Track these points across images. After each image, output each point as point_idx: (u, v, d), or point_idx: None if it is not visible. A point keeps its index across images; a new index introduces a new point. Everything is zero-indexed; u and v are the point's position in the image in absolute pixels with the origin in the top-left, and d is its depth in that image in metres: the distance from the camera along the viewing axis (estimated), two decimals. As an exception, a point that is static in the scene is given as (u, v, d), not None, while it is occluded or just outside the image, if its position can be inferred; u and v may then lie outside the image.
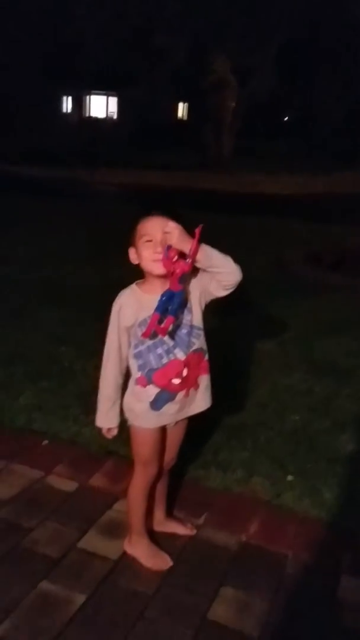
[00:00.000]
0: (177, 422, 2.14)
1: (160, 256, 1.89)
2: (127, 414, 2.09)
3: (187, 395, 2.07)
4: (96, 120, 29.52)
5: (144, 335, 1.94)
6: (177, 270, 1.85)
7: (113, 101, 30.71)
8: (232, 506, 2.48)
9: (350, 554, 2.23)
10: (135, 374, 2.05)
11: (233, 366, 3.64)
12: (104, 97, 30.65)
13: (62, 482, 2.58)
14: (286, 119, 30.01)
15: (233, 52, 17.53)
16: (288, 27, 16.49)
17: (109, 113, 30.94)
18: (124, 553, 2.17)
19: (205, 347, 2.10)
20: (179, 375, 2.01)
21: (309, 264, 6.60)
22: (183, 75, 19.77)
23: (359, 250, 6.75)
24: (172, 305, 1.88)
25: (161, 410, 2.04)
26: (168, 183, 13.82)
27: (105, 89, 28.85)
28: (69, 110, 30.05)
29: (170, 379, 2.00)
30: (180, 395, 2.05)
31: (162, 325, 1.88)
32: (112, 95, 30.11)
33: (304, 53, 18.33)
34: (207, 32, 16.82)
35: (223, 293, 1.96)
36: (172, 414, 2.07)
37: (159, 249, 1.90)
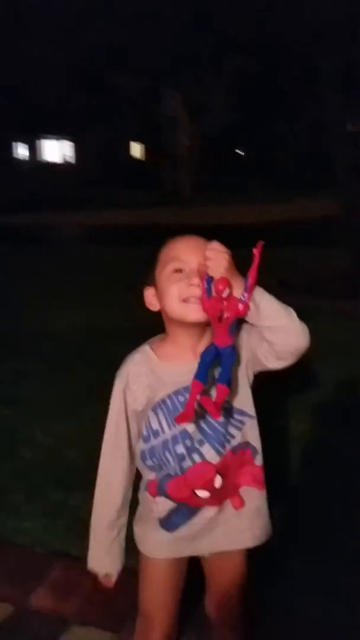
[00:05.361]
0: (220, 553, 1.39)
1: (198, 291, 1.21)
2: (134, 532, 1.41)
3: (220, 511, 1.33)
4: (52, 164, 29.33)
5: (182, 418, 1.21)
6: (228, 314, 1.17)
7: (67, 145, 30.63)
8: None
9: None
10: (147, 475, 1.35)
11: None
12: (58, 142, 30.59)
13: (-9, 606, 1.91)
14: (241, 153, 30.24)
15: (185, 88, 17.52)
16: (239, 59, 16.53)
17: (64, 157, 30.84)
18: None
19: (256, 443, 1.36)
20: (207, 485, 1.29)
21: (284, 289, 6.18)
22: (136, 114, 19.71)
23: (331, 273, 6.41)
24: (223, 368, 1.19)
25: (177, 532, 1.32)
26: (129, 221, 13.43)
27: (59, 133, 28.79)
28: (24, 156, 29.86)
29: (193, 490, 1.29)
30: (209, 512, 1.32)
31: (214, 400, 1.18)
32: (67, 139, 30.07)
33: (260, 84, 18.39)
34: (159, 69, 16.75)
35: (276, 364, 1.26)
36: (195, 540, 1.34)
37: (196, 281, 1.23)
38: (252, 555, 1.42)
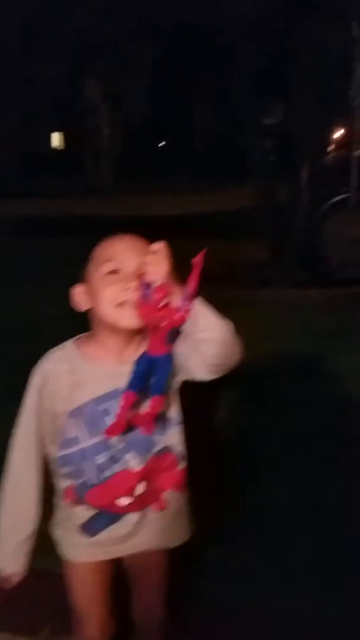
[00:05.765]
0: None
1: (134, 296, 1.17)
2: (54, 537, 1.38)
3: (142, 515, 1.32)
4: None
5: (112, 431, 1.18)
6: (165, 323, 1.14)
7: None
8: None
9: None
10: (63, 481, 1.31)
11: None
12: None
13: None
14: (163, 143, 30.16)
15: (104, 77, 17.21)
16: (157, 48, 16.40)
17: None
18: None
19: (180, 447, 1.34)
20: (128, 492, 1.27)
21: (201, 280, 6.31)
22: (55, 103, 19.17)
23: (246, 264, 6.68)
24: (157, 378, 1.16)
25: (97, 537, 1.30)
26: (50, 212, 13.10)
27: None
28: None
29: (114, 499, 1.27)
30: (132, 517, 1.30)
31: (146, 410, 1.16)
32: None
33: (179, 74, 18.32)
34: (77, 58, 16.34)
35: (205, 376, 1.23)
36: (117, 544, 1.32)
37: (133, 285, 1.18)
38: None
